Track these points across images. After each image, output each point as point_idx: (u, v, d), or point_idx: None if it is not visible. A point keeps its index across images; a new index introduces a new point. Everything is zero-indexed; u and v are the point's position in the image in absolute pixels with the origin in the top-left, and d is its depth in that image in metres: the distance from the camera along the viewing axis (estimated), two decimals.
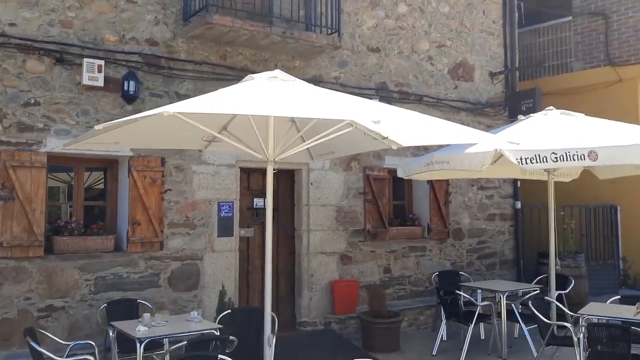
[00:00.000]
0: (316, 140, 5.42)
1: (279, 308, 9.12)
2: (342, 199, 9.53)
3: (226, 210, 8.39)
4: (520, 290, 9.02)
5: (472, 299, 8.40)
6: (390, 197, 10.59)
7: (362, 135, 5.55)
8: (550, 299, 7.48)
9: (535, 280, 9.45)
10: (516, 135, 6.68)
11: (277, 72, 5.25)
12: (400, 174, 8.40)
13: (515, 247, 11.78)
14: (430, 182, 10.49)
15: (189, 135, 5.73)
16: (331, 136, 5.23)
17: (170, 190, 7.94)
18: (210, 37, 8.09)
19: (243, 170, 8.87)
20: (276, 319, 6.28)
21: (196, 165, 8.17)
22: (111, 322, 6.07)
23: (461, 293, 7.90)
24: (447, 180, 10.75)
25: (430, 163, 7.49)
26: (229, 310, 6.52)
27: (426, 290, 10.28)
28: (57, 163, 7.48)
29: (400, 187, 10.88)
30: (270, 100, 4.68)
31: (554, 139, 6.20)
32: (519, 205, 11.79)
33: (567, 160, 5.71)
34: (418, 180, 10.59)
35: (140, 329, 5.55)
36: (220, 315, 6.48)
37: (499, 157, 6.54)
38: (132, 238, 7.57)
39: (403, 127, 5.34)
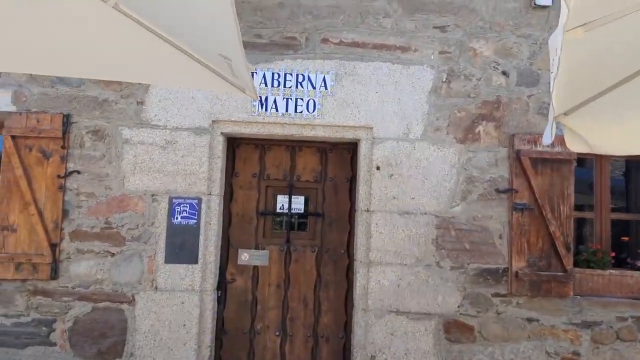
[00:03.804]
0: None
1: None
2: (452, 200, 4.49)
3: (185, 214, 4.43)
4: None
5: None
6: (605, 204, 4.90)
7: None
8: None
9: None
10: None
11: None
12: (546, 141, 3.16)
13: None
14: None
15: None
16: None
17: (78, 172, 4.43)
18: None
19: (240, 140, 4.77)
20: None
21: (130, 128, 4.47)
22: None
23: None
24: None
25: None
26: None
27: None
28: None
29: (630, 182, 5.06)
30: None
31: None
32: None
33: None
34: None
35: None
36: None
37: None
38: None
39: None
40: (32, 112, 4.42)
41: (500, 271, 4.44)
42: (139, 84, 4.46)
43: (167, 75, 2.86)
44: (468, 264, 4.44)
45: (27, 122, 4.39)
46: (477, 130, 4.53)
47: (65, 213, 4.39)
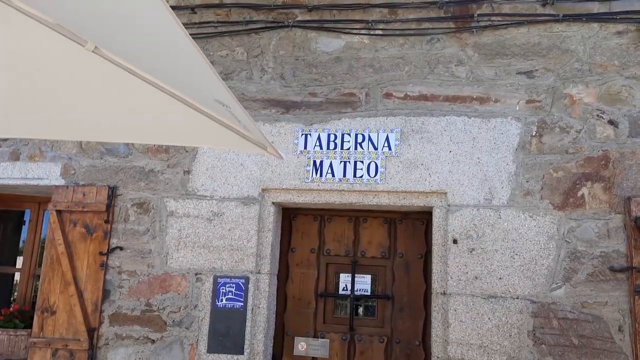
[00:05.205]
0: None
1: None
2: (551, 281, 3.58)
3: (231, 295, 3.89)
4: None
5: None
6: None
7: None
8: None
9: None
10: None
11: None
12: None
13: None
14: None
15: None
16: None
17: (120, 249, 4.09)
18: None
19: (297, 211, 4.23)
20: None
21: (176, 200, 4.10)
22: None
23: None
24: None
25: None
26: None
27: None
28: None
29: None
30: None
31: None
32: None
33: None
34: None
35: None
36: None
37: None
38: (36, 339, 4.00)
39: None
40: (79, 186, 4.20)
41: None
42: (186, 152, 4.13)
43: (170, 134, 2.42)
44: None
45: (73, 196, 4.17)
46: (580, 194, 3.65)
47: (106, 293, 4.03)
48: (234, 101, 1.91)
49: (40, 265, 4.39)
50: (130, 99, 2.18)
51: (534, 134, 3.78)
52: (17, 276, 4.80)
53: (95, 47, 1.97)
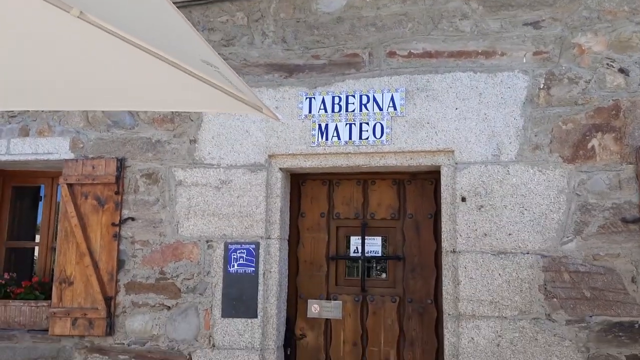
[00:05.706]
0: None
1: None
2: (562, 235, 3.54)
3: (242, 261, 3.94)
4: None
5: None
6: None
7: None
8: None
9: None
10: None
11: None
12: None
13: None
14: None
15: None
16: None
17: (132, 219, 4.14)
18: None
19: (305, 176, 4.23)
20: None
21: (184, 169, 4.12)
22: None
23: None
24: None
25: None
26: None
27: None
28: None
29: None
30: None
31: None
32: None
33: None
34: None
35: None
36: None
37: None
38: (55, 309, 4.11)
39: None
40: (88, 159, 4.25)
41: (637, 326, 3.38)
42: (191, 120, 4.13)
43: (162, 99, 2.42)
44: (590, 317, 3.44)
45: (83, 169, 4.22)
46: (590, 145, 3.58)
47: (120, 263, 4.10)
48: (221, 62, 1.89)
49: (57, 238, 4.48)
50: (119, 64, 2.17)
51: (542, 87, 3.69)
52: (36, 251, 4.92)
53: (81, 12, 1.96)
